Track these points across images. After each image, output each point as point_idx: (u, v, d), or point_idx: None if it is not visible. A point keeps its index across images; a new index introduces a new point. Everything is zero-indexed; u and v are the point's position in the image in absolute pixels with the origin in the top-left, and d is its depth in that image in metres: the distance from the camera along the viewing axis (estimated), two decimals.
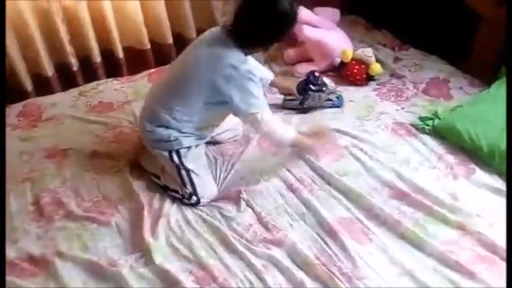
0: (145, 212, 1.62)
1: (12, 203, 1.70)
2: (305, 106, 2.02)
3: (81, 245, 1.54)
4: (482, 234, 1.44)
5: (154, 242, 1.52)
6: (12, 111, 2.21)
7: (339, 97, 2.07)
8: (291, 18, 1.54)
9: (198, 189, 1.66)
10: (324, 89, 2.02)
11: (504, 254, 1.39)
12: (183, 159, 1.66)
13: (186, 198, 1.66)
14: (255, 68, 1.66)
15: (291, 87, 2.00)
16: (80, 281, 1.43)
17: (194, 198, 1.66)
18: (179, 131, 1.64)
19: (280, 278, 1.41)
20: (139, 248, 1.51)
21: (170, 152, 1.66)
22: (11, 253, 1.51)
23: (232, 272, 1.43)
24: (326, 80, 2.09)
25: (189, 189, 1.66)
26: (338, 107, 2.05)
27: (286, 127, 1.76)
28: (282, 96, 2.08)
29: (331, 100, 2.05)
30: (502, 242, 1.42)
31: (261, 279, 1.40)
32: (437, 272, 1.38)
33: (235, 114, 1.63)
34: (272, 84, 1.99)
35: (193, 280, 1.41)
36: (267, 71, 2.03)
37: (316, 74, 2.02)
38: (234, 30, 1.56)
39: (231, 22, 1.58)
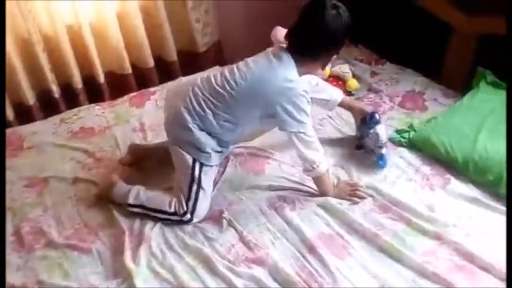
0: (126, 238, 1.62)
1: None
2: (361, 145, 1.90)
3: (62, 273, 1.53)
4: (458, 244, 1.46)
5: (136, 267, 1.51)
6: None
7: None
8: (341, 32, 1.57)
9: (197, 209, 1.66)
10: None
11: (481, 263, 1.41)
12: (202, 175, 1.66)
13: (180, 214, 1.65)
14: (315, 88, 1.84)
15: (363, 109, 1.93)
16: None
17: (188, 216, 1.65)
18: (217, 142, 1.66)
19: None
20: (121, 274, 1.51)
21: (195, 161, 1.65)
22: None
23: None
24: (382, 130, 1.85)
25: (189, 207, 1.65)
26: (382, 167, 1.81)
27: (324, 159, 1.69)
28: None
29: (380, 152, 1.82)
30: (478, 251, 1.44)
31: None
32: (417, 284, 1.39)
33: (281, 129, 1.64)
34: (341, 104, 1.97)
35: None
36: (335, 90, 1.99)
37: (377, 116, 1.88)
38: (290, 48, 1.60)
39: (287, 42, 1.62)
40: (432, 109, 2.08)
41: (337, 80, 2.23)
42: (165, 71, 2.75)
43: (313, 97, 1.74)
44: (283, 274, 1.47)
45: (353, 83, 2.22)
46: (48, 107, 2.55)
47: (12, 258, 1.60)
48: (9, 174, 1.97)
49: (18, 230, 1.70)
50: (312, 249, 1.54)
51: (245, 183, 1.82)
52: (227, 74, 1.64)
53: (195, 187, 1.65)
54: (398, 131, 1.96)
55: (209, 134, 1.65)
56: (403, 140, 1.92)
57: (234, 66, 1.68)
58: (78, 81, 2.58)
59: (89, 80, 2.63)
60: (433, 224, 1.55)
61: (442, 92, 2.19)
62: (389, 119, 2.07)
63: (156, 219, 1.69)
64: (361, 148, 1.90)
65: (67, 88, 2.59)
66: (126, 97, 2.46)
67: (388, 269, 1.46)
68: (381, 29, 2.46)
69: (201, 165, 1.65)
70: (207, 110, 1.62)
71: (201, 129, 1.64)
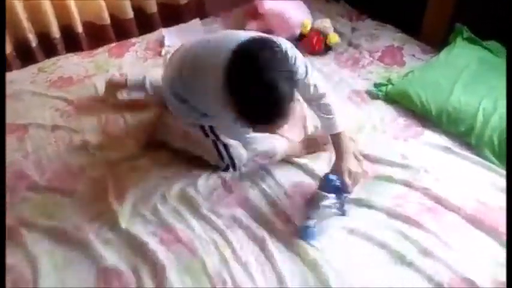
0: (110, 181, 1.65)
1: None
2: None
3: (46, 215, 1.55)
4: (428, 189, 1.53)
5: (120, 208, 1.55)
6: None
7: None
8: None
9: (236, 161, 1.64)
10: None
11: (449, 205, 1.48)
12: (217, 132, 1.60)
13: (222, 170, 1.67)
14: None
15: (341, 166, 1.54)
16: (46, 248, 1.45)
17: (231, 170, 1.67)
18: None
19: (241, 234, 1.47)
20: (105, 215, 1.54)
21: (203, 127, 1.59)
22: None
23: (196, 233, 1.48)
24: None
25: (227, 161, 1.65)
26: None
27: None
28: None
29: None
30: (446, 194, 1.51)
31: (224, 237, 1.46)
32: (387, 226, 1.46)
33: None
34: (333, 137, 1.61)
35: (158, 241, 1.45)
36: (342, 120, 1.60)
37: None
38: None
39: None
40: (410, 64, 2.13)
41: (318, 34, 2.25)
42: (144, 23, 2.71)
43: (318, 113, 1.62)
44: (262, 215, 1.52)
45: (334, 37, 2.24)
46: (25, 56, 2.50)
47: None
48: None
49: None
50: (288, 196, 1.58)
51: None
52: None
53: (221, 146, 1.62)
54: (376, 85, 2.01)
55: None
56: (380, 93, 1.96)
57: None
58: (55, 31, 2.53)
59: (67, 29, 2.58)
60: (404, 171, 1.61)
61: (420, 48, 2.23)
62: (368, 73, 2.11)
63: None
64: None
65: (44, 37, 2.54)
66: (105, 47, 2.44)
67: (359, 215, 1.50)
68: None
69: (210, 127, 1.59)
70: None
71: None
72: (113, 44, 2.47)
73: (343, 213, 1.49)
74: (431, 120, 1.80)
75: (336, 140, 1.57)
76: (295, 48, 1.47)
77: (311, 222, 1.43)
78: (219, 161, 1.66)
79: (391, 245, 1.39)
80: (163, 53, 2.38)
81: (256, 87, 1.16)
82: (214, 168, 1.68)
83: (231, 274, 1.36)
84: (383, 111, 1.90)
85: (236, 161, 1.65)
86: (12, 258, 1.41)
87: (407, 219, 1.45)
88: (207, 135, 1.61)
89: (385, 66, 2.14)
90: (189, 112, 1.55)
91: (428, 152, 1.69)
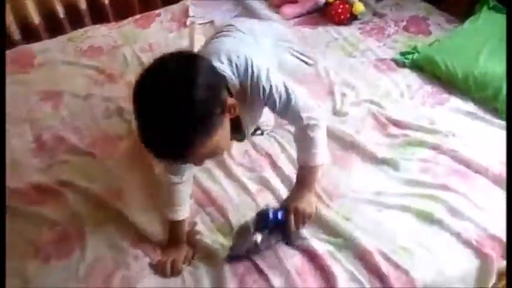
0: None
1: (14, 142, 1.77)
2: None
3: (85, 176, 1.61)
4: (456, 152, 1.56)
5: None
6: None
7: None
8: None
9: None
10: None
11: (476, 167, 1.51)
12: None
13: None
14: None
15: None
16: (88, 208, 1.51)
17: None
18: None
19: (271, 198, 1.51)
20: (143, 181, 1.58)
21: None
22: (16, 184, 1.59)
23: (229, 195, 1.54)
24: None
25: None
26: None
27: None
28: None
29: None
30: (474, 157, 1.54)
31: (254, 200, 1.51)
32: (415, 187, 1.49)
33: None
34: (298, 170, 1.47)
35: (193, 203, 1.51)
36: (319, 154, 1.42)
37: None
38: None
39: None
40: (435, 33, 2.14)
41: (343, 3, 2.26)
42: None
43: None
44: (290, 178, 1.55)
45: (359, 6, 2.25)
46: (54, 27, 2.56)
47: (34, 162, 1.68)
48: (23, 89, 2.03)
49: (38, 138, 1.77)
50: None
51: None
52: None
53: None
54: (402, 53, 2.03)
55: None
56: (406, 61, 1.99)
57: None
58: (82, 2, 2.58)
59: (93, 1, 2.63)
60: (432, 135, 1.64)
61: (444, 18, 2.24)
62: (393, 42, 2.13)
63: None
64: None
65: (71, 9, 2.59)
66: (131, 19, 2.48)
67: (385, 176, 1.54)
68: None
69: None
70: None
71: None
72: (138, 16, 2.51)
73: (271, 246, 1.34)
74: (457, 87, 1.83)
75: (305, 173, 1.38)
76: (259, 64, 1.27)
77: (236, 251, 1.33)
78: None
79: (419, 205, 1.43)
80: (188, 23, 2.41)
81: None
82: None
83: None
84: (409, 78, 1.92)
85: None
86: (55, 215, 1.48)
87: (435, 181, 1.49)
88: None
89: (410, 35, 2.16)
90: None
91: (455, 118, 1.72)
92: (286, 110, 1.31)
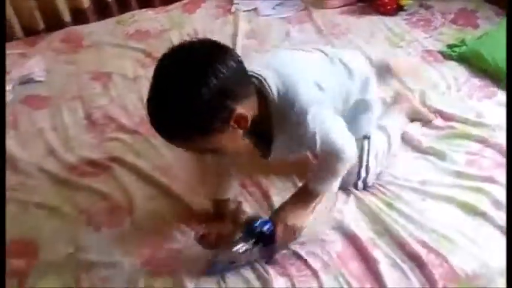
0: None
1: (66, 117, 1.85)
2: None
3: (135, 153, 1.66)
4: (503, 146, 1.54)
5: None
6: (54, 38, 2.33)
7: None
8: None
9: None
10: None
11: None
12: None
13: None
14: None
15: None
16: (137, 182, 1.56)
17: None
18: None
19: None
20: None
21: None
22: (70, 158, 1.66)
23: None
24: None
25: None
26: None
27: None
28: None
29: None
30: None
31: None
32: (461, 179, 1.48)
33: None
34: None
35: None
36: None
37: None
38: None
39: None
40: (484, 27, 2.10)
41: None
42: None
43: None
44: None
45: None
46: (102, 11, 2.62)
47: (86, 138, 1.75)
48: (73, 68, 2.12)
49: (89, 116, 1.85)
50: None
51: None
52: None
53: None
54: (449, 46, 2.01)
55: None
56: (453, 54, 1.96)
57: None
58: None
59: None
60: (479, 128, 1.62)
61: (493, 12, 2.20)
62: (440, 34, 2.11)
63: None
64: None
65: None
66: (177, 4, 2.53)
67: (431, 166, 1.54)
68: None
69: None
70: None
71: None
72: (185, 1, 2.56)
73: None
74: (505, 81, 1.79)
75: (308, 192, 1.30)
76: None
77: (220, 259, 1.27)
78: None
79: (464, 196, 1.42)
80: (233, 10, 2.45)
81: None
82: None
83: None
84: (457, 71, 1.90)
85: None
86: (106, 187, 1.54)
87: (481, 174, 1.48)
88: None
89: (458, 28, 2.13)
90: None
91: (503, 112, 1.69)
92: (323, 152, 1.24)
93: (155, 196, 1.51)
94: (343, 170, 1.31)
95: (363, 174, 1.47)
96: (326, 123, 1.21)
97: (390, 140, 1.54)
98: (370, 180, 1.49)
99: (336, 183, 1.35)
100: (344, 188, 1.45)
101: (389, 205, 1.42)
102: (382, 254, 1.31)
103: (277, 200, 1.45)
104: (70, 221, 1.45)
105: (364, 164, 1.46)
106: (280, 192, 1.49)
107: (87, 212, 1.47)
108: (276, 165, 1.52)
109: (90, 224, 1.44)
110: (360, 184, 1.48)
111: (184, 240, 1.37)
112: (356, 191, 1.47)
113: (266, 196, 1.50)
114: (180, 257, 1.33)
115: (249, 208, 1.46)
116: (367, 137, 1.46)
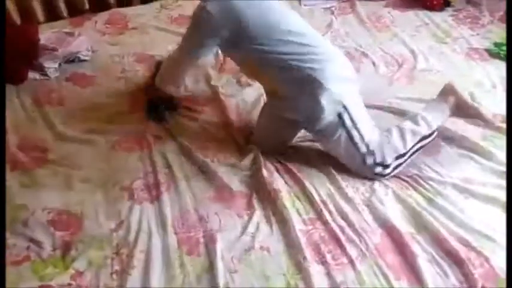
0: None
1: (110, 96, 1.89)
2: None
3: (178, 132, 1.70)
4: None
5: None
6: (100, 18, 2.37)
7: None
8: None
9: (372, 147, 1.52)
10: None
11: None
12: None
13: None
14: None
15: None
16: (179, 160, 1.60)
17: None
18: None
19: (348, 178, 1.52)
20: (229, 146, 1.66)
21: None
22: (113, 135, 1.71)
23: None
24: None
25: (364, 150, 1.51)
26: None
27: None
28: None
29: None
30: None
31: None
32: (502, 178, 1.46)
33: None
34: None
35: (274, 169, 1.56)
36: None
37: None
38: None
39: None
40: None
41: None
42: None
43: None
44: None
45: None
46: None
47: (130, 117, 1.79)
48: (118, 49, 2.16)
49: (134, 96, 1.88)
50: None
51: None
52: None
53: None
54: (496, 44, 1.97)
55: None
56: (501, 52, 1.92)
57: None
58: None
59: None
60: None
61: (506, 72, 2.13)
62: (488, 32, 2.07)
63: None
64: None
65: None
66: None
67: (475, 164, 1.53)
68: None
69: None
70: None
71: None
72: None
73: None
74: None
75: None
76: None
77: None
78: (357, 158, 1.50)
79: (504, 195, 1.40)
80: None
81: None
82: None
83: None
84: (503, 70, 1.86)
85: (372, 147, 1.49)
86: (148, 164, 1.59)
87: None
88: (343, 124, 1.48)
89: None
90: None
91: None
92: None
93: (194, 174, 1.55)
94: None
95: (363, 149, 1.47)
96: None
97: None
98: (387, 156, 1.47)
99: None
100: (364, 176, 1.49)
101: (430, 201, 1.41)
102: (420, 248, 1.31)
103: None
104: (112, 197, 1.49)
105: (356, 136, 1.47)
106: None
107: (128, 189, 1.51)
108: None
109: (132, 199, 1.47)
110: (378, 168, 1.48)
111: (217, 222, 1.40)
112: (394, 183, 1.46)
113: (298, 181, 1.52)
114: (215, 239, 1.35)
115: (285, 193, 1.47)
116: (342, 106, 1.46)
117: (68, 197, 1.48)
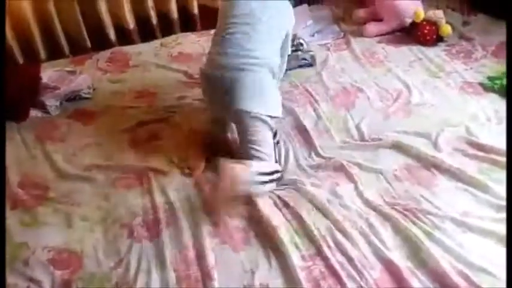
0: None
1: (111, 133, 1.92)
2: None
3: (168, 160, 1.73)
4: None
5: None
6: (101, 57, 2.43)
7: (312, 56, 2.24)
8: None
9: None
10: (301, 48, 2.22)
11: None
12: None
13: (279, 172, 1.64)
14: None
15: None
16: (179, 197, 1.61)
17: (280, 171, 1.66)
18: None
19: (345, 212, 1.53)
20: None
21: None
22: (114, 172, 1.73)
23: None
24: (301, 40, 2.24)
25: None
26: (311, 65, 2.23)
27: None
28: None
29: (305, 59, 2.23)
30: None
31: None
32: (500, 212, 1.47)
33: None
34: None
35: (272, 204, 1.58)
36: None
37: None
38: None
39: None
40: None
41: (430, 24, 2.27)
42: None
43: None
44: (367, 195, 1.58)
45: (447, 28, 2.25)
46: (146, 32, 2.73)
47: (130, 152, 1.82)
48: (119, 86, 2.21)
49: (135, 132, 1.92)
50: (397, 178, 1.63)
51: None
52: None
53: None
54: (490, 78, 2.01)
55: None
56: (495, 86, 1.96)
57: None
58: (174, 11, 2.74)
59: (184, 10, 2.78)
60: None
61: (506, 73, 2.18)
62: (481, 66, 2.11)
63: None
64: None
65: (164, 17, 2.76)
66: None
67: (472, 197, 1.53)
68: None
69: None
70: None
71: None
72: None
73: None
74: None
75: None
76: None
77: None
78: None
79: (504, 231, 1.40)
80: None
81: None
82: None
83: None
84: (497, 103, 1.89)
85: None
86: (147, 201, 1.60)
87: None
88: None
89: (499, 61, 2.13)
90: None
91: None
92: None
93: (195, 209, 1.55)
94: None
95: None
96: None
97: None
98: None
99: None
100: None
101: (429, 234, 1.41)
102: (419, 283, 1.30)
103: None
104: (112, 233, 1.49)
105: None
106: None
107: (128, 225, 1.52)
108: None
109: (132, 237, 1.48)
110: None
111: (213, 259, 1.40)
112: (392, 216, 1.48)
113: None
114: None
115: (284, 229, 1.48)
116: None
117: (68, 235, 1.49)
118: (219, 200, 1.55)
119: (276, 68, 1.75)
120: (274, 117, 1.69)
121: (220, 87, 1.65)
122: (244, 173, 1.51)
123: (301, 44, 2.22)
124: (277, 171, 1.63)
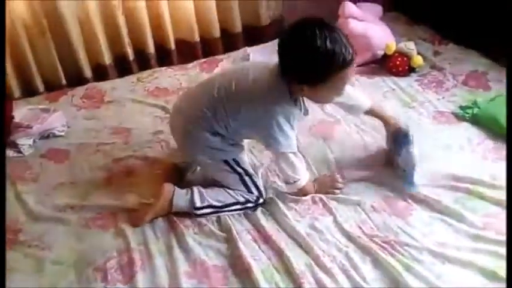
0: None
1: (86, 171, 1.90)
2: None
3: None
4: None
5: None
6: (76, 93, 2.41)
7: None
8: (330, 59, 1.43)
9: (261, 190, 1.71)
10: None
11: None
12: (242, 165, 1.69)
13: (253, 201, 1.69)
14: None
15: (396, 124, 1.81)
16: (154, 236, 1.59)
17: (261, 200, 1.70)
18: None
19: (325, 246, 1.52)
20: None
21: (227, 161, 1.67)
22: (88, 212, 1.70)
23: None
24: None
25: (255, 192, 1.70)
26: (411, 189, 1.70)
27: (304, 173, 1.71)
28: None
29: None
30: None
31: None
32: (478, 242, 1.48)
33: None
34: (371, 113, 1.87)
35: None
36: (363, 97, 1.85)
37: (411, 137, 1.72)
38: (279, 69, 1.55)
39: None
40: (495, 88, 2.13)
41: (402, 56, 2.32)
42: (229, 42, 2.88)
43: (338, 101, 1.74)
44: (346, 227, 1.58)
45: (418, 60, 2.30)
46: (122, 68, 2.72)
47: (105, 191, 1.79)
48: (94, 123, 2.19)
49: (110, 169, 1.89)
50: (374, 209, 1.64)
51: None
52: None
53: (246, 178, 1.69)
54: (462, 107, 2.04)
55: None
56: (466, 115, 2.00)
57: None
58: (151, 46, 2.75)
59: (161, 46, 2.79)
60: (494, 191, 1.62)
61: (505, 74, 2.24)
62: (452, 95, 2.15)
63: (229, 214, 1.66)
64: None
65: (140, 52, 2.76)
66: (195, 62, 2.62)
67: (448, 227, 1.54)
68: (445, 11, 2.52)
69: (234, 159, 1.67)
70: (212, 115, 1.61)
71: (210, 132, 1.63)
72: (203, 60, 2.65)
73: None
74: None
75: (376, 111, 1.87)
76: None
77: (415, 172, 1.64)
78: (248, 194, 1.68)
79: (483, 261, 1.41)
80: None
81: (321, 36, 1.41)
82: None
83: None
84: (470, 132, 1.92)
85: (262, 189, 1.70)
86: (119, 242, 1.56)
87: (498, 238, 1.47)
88: (234, 171, 1.67)
89: (469, 90, 2.17)
90: (221, 144, 1.64)
91: None
92: None
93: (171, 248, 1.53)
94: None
95: None
96: None
97: None
98: None
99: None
100: None
101: (408, 267, 1.41)
102: None
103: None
104: (86, 277, 1.45)
105: None
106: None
107: (102, 268, 1.47)
108: None
109: (105, 281, 1.44)
110: None
111: None
112: (371, 249, 1.47)
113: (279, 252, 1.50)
114: None
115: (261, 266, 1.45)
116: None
117: (40, 281, 1.44)
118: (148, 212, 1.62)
119: None
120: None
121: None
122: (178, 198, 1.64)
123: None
124: (248, 201, 1.67)
